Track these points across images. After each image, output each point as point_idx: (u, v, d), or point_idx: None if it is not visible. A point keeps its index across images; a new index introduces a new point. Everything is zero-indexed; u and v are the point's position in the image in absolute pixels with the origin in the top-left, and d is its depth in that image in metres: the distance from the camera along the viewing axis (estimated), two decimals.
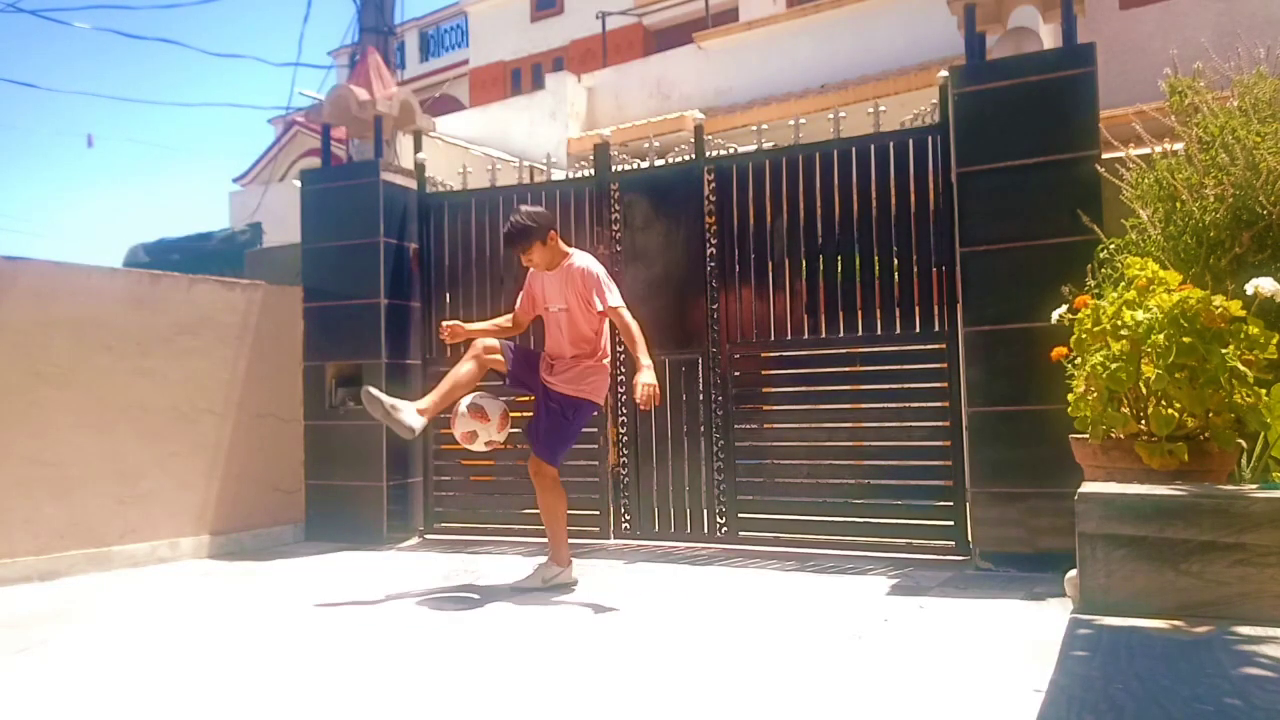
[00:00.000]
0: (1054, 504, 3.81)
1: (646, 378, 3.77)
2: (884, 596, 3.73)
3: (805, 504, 4.78)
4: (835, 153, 4.79)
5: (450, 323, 4.18)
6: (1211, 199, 3.19)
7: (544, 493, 4.07)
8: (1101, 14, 8.66)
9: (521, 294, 4.28)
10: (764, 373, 4.97)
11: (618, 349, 5.16)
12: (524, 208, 4.04)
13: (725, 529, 4.92)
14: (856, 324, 4.71)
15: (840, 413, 4.72)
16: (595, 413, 4.25)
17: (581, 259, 4.07)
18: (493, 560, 4.78)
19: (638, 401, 3.75)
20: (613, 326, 4.18)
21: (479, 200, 5.67)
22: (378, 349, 5.46)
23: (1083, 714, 1.61)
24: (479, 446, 3.97)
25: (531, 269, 4.18)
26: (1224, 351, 2.55)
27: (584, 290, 3.98)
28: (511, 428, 4.06)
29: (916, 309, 4.55)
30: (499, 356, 3.99)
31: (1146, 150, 3.66)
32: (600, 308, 3.97)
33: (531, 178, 5.74)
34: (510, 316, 4.35)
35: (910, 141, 4.63)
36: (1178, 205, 3.31)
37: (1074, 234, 3.86)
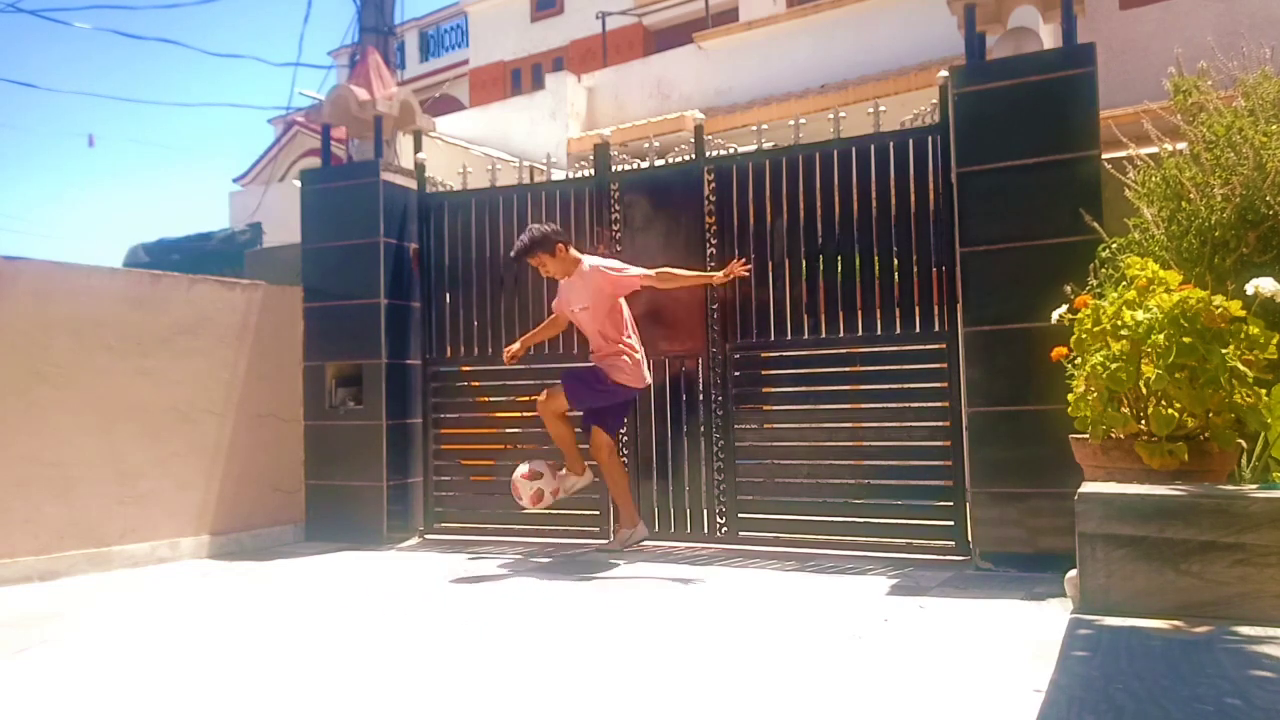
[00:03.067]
0: (1054, 504, 3.81)
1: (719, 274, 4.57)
2: (884, 596, 3.73)
3: (805, 504, 4.78)
4: (835, 153, 4.79)
5: (510, 349, 4.80)
6: (1219, 199, 3.18)
7: (604, 466, 4.67)
8: (1101, 14, 8.65)
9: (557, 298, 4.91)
10: (764, 373, 4.97)
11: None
12: (530, 226, 4.66)
13: (725, 529, 4.92)
14: (856, 324, 4.70)
15: (840, 413, 4.72)
16: (633, 396, 4.75)
17: (591, 260, 4.67)
18: (493, 560, 4.78)
19: (737, 270, 4.50)
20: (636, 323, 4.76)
21: (479, 200, 5.67)
22: (378, 349, 5.46)
23: (1083, 714, 1.61)
24: (544, 500, 4.57)
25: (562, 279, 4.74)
26: (1224, 351, 2.55)
27: (606, 286, 4.49)
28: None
29: (916, 309, 4.55)
30: (561, 398, 4.56)
31: (1146, 150, 3.65)
32: (636, 286, 4.54)
33: (531, 178, 5.73)
34: (551, 318, 4.97)
35: (910, 141, 4.63)
36: (1183, 205, 3.30)
37: (1074, 234, 3.86)
